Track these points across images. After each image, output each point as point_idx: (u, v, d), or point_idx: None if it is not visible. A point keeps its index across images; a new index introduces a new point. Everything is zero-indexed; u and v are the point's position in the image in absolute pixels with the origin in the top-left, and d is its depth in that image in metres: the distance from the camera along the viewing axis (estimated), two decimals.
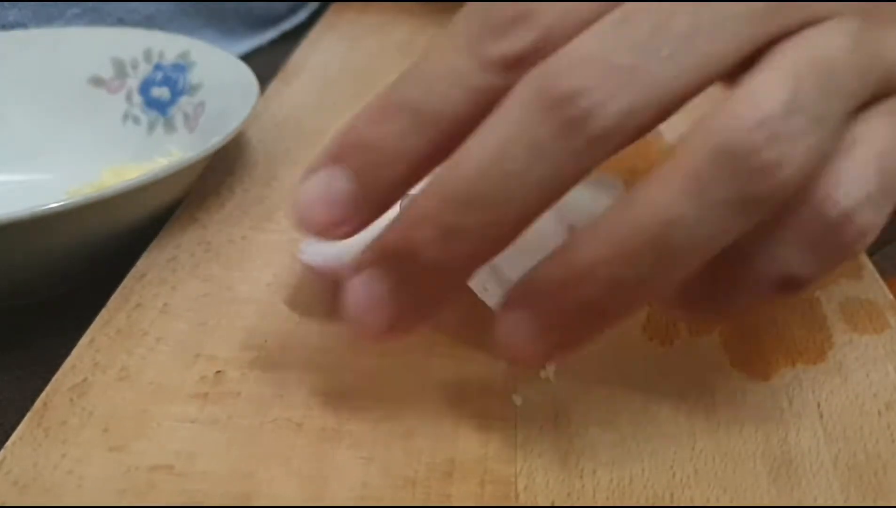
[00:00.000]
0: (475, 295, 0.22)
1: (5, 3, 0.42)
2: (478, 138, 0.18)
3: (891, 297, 0.27)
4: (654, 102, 0.17)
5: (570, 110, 0.17)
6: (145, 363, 0.24)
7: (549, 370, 0.24)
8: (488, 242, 0.18)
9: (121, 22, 0.46)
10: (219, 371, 0.23)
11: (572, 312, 0.18)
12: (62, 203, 0.24)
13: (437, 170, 0.18)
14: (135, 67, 0.38)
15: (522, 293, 0.19)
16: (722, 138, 0.17)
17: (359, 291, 0.19)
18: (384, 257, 0.19)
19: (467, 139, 0.18)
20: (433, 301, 0.19)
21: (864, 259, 0.29)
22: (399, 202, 0.20)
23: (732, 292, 0.19)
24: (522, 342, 0.19)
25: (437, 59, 0.19)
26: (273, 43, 0.54)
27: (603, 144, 0.17)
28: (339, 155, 0.19)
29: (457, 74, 0.18)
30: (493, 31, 0.18)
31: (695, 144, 0.17)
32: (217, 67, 0.36)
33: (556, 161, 0.17)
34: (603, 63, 0.17)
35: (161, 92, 0.38)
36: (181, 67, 0.38)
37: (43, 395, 0.22)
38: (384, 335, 0.19)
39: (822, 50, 0.18)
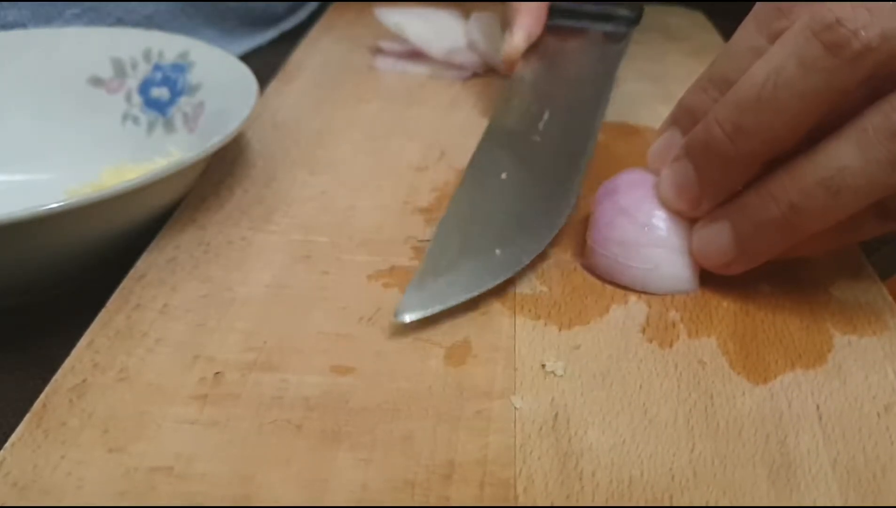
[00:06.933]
0: None
1: (4, 3, 0.42)
2: (762, 60, 0.23)
3: (889, 299, 0.27)
4: None
5: (835, 34, 0.22)
6: (144, 365, 0.24)
7: (557, 365, 0.24)
8: (767, 142, 0.23)
9: (120, 22, 0.45)
10: (218, 373, 0.23)
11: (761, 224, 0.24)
12: (62, 203, 0.24)
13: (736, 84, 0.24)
14: (134, 67, 0.38)
15: (714, 197, 0.26)
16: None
17: (671, 176, 0.26)
18: (689, 151, 0.26)
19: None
20: (723, 189, 0.25)
21: (863, 261, 0.29)
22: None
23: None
24: (720, 248, 0.26)
25: (737, 41, 0.25)
26: (273, 43, 0.54)
27: (862, 60, 0.21)
28: (674, 118, 0.28)
29: (752, 49, 0.24)
30: (777, 15, 0.24)
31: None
32: (216, 67, 0.36)
33: (824, 74, 0.22)
34: (858, 4, 0.22)
35: (160, 92, 0.38)
36: (180, 67, 0.38)
37: (42, 396, 0.22)
38: (689, 210, 0.26)
39: None
